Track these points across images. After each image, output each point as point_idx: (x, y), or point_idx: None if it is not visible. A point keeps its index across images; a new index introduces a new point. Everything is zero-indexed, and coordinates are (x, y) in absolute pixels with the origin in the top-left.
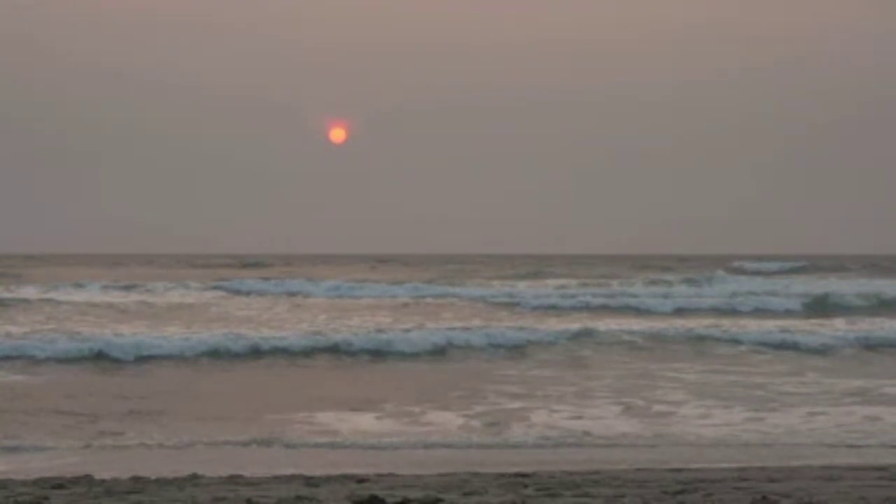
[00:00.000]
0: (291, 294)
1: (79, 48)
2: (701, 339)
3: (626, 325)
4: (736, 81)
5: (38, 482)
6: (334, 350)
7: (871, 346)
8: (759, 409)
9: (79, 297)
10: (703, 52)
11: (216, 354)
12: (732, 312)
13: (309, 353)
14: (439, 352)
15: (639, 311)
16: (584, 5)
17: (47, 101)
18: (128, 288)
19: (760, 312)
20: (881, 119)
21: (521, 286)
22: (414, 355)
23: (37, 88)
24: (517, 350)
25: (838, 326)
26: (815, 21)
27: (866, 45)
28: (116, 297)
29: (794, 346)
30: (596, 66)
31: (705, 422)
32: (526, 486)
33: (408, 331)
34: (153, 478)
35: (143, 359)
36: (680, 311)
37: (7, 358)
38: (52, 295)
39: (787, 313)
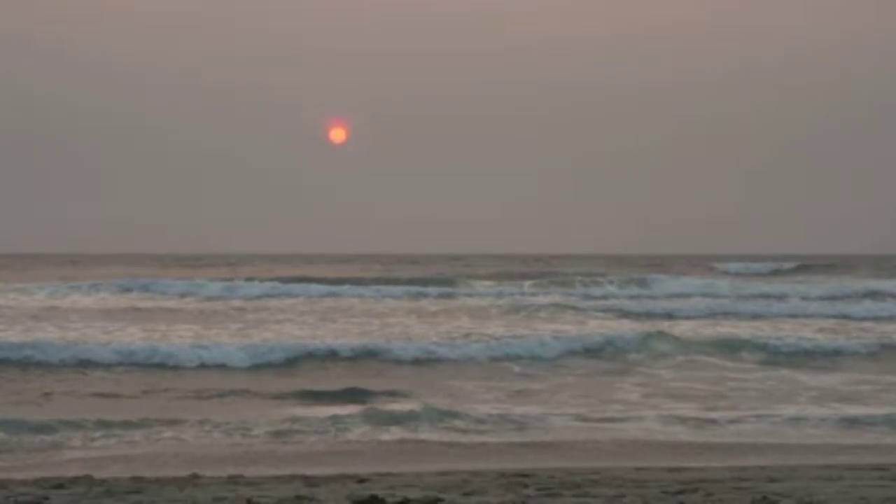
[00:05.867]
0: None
1: (79, 48)
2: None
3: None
4: (735, 81)
5: (38, 482)
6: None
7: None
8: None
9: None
10: (703, 51)
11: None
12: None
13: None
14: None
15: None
16: (583, 5)
17: (48, 100)
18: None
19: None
20: (881, 119)
21: (432, 287)
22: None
23: (37, 88)
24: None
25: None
26: (816, 21)
27: (866, 45)
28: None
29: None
30: (596, 65)
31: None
32: (526, 486)
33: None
34: (153, 478)
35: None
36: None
37: None
38: None
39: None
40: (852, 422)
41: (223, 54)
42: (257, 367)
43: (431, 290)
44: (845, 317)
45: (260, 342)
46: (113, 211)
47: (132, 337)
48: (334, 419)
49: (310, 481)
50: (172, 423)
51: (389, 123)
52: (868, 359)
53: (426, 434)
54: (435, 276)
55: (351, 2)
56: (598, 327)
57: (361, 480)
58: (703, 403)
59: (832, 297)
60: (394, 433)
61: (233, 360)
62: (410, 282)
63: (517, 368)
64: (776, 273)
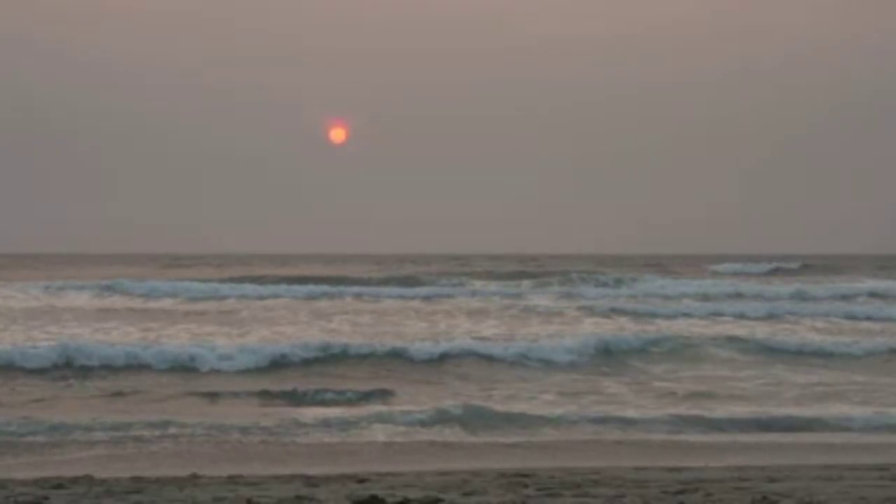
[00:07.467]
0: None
1: (79, 48)
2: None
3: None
4: (735, 81)
5: (38, 482)
6: None
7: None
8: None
9: None
10: (703, 51)
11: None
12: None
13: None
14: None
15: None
16: (583, 5)
17: (48, 100)
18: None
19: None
20: (881, 119)
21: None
22: None
23: (37, 88)
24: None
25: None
26: (816, 21)
27: (866, 45)
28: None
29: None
30: (596, 65)
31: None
32: (526, 486)
33: None
34: (153, 478)
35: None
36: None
37: None
38: None
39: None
40: (849, 422)
41: (223, 54)
42: (256, 367)
43: (430, 289)
44: (845, 316)
45: (258, 341)
46: (112, 211)
47: (130, 337)
48: (334, 419)
49: (310, 481)
50: (172, 423)
51: (389, 123)
52: (868, 358)
53: (426, 434)
54: (434, 275)
55: (351, 2)
56: (596, 327)
57: (361, 480)
58: (702, 403)
59: (832, 297)
60: (394, 433)
61: (231, 359)
62: (409, 281)
63: (516, 368)
64: (776, 273)
